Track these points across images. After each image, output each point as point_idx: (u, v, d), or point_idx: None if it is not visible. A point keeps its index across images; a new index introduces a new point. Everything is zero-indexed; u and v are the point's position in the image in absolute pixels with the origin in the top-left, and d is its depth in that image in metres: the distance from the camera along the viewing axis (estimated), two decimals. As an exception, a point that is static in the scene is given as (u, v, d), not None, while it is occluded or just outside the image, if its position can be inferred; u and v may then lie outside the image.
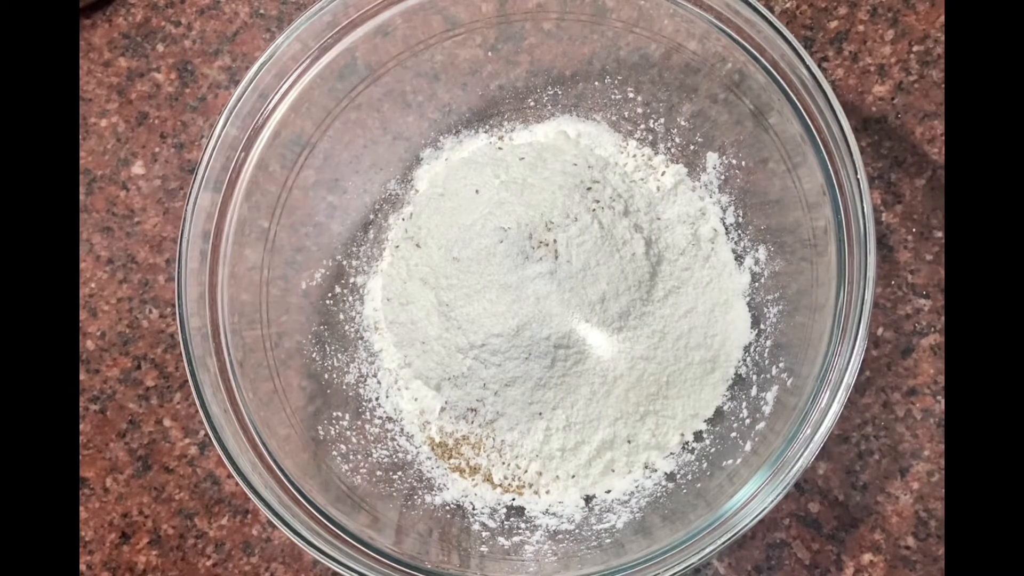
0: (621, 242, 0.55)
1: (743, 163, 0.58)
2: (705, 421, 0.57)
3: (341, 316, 0.61)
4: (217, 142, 0.52)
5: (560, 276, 0.54)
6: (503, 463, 0.58)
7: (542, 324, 0.54)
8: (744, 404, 0.56)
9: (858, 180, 0.47)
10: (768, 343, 0.56)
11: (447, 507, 0.57)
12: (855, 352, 0.46)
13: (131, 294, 0.64)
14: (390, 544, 0.50)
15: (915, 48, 0.61)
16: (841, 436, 0.58)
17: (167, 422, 0.63)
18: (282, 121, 0.54)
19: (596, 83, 0.61)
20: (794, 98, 0.50)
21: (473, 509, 0.57)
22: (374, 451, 0.58)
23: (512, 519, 0.56)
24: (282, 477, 0.50)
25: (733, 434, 0.55)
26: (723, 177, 0.59)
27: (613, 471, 0.57)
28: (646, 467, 0.57)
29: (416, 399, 0.60)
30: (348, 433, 0.58)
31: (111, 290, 0.64)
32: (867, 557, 0.57)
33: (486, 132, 0.62)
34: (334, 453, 0.56)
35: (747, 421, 0.54)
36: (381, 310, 0.61)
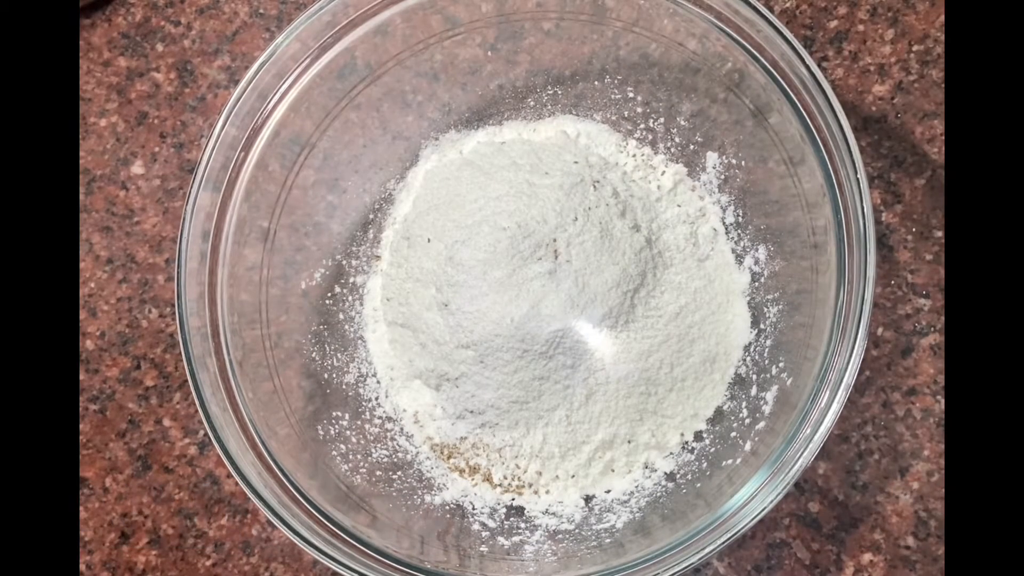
0: (621, 241, 0.55)
1: (743, 163, 0.58)
2: (705, 421, 0.57)
3: (341, 316, 0.61)
4: (217, 142, 0.52)
5: (560, 276, 0.54)
6: (503, 463, 0.58)
7: (542, 324, 0.54)
8: (744, 404, 0.56)
9: (858, 180, 0.47)
10: (768, 343, 0.56)
11: (447, 507, 0.57)
12: (855, 352, 0.46)
13: (131, 294, 0.64)
14: (390, 544, 0.50)
15: (915, 48, 0.61)
16: (841, 436, 0.58)
17: (167, 422, 0.63)
18: (282, 121, 0.54)
19: (596, 83, 0.61)
20: (794, 98, 0.50)
21: (473, 509, 0.57)
22: (374, 451, 0.58)
23: (512, 519, 0.56)
24: (282, 477, 0.50)
25: (733, 434, 0.55)
26: (723, 177, 0.59)
27: (613, 471, 0.57)
28: (646, 467, 0.57)
29: (415, 399, 0.59)
30: (348, 433, 0.58)
31: (111, 290, 0.64)
32: (867, 557, 0.57)
33: (486, 132, 0.62)
34: (334, 453, 0.56)
35: (747, 421, 0.54)
36: (381, 310, 0.61)
